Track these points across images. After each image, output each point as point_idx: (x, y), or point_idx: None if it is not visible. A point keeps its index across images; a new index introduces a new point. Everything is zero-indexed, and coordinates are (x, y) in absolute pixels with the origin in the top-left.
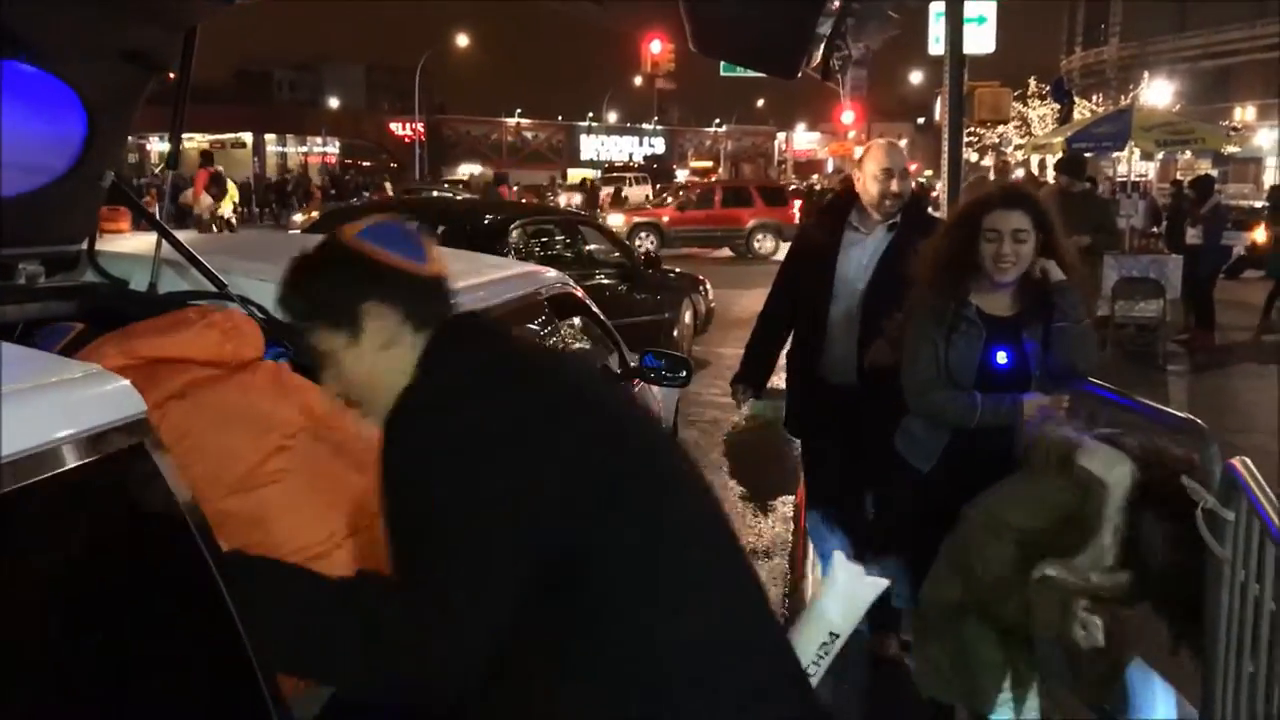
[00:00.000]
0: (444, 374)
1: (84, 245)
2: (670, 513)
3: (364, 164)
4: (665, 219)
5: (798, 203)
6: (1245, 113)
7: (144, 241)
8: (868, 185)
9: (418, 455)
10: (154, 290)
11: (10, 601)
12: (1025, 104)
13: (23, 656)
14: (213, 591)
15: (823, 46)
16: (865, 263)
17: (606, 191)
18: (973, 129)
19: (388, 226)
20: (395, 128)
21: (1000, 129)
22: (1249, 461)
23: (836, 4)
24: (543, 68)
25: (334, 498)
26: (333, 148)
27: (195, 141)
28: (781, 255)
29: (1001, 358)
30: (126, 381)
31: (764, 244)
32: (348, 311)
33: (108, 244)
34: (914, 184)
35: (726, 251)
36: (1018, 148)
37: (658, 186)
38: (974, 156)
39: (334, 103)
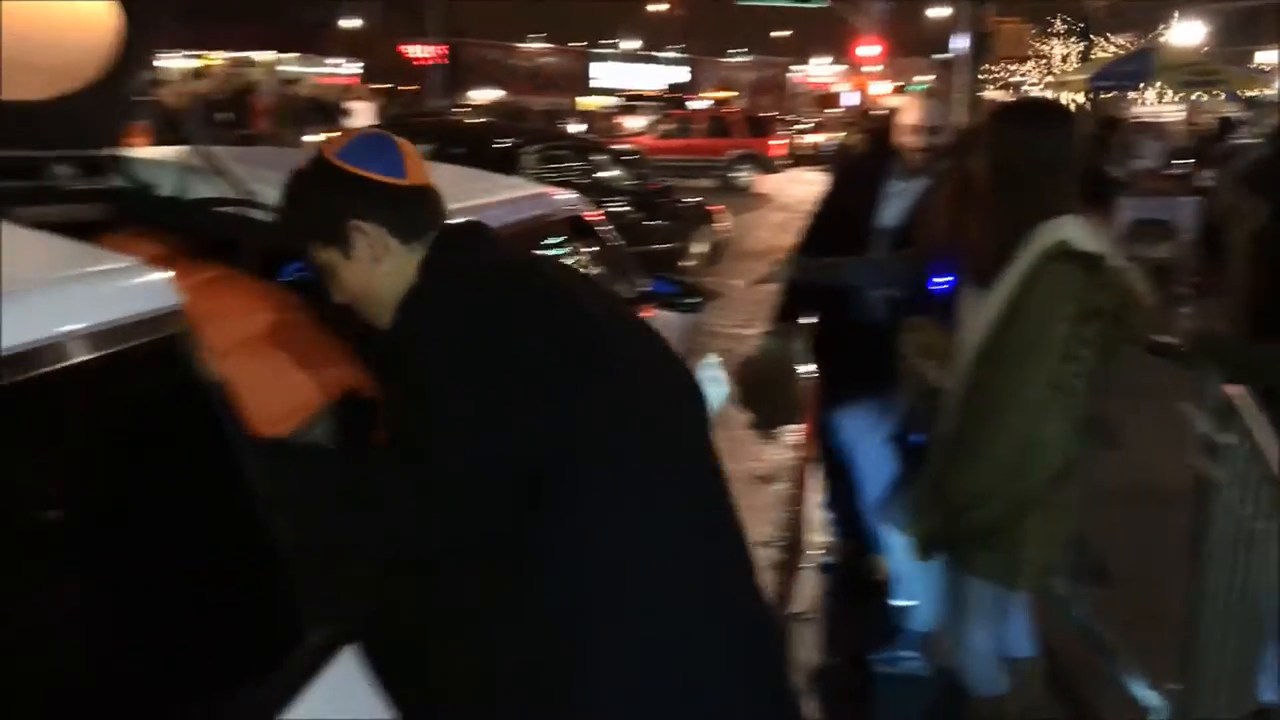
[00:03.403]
0: (445, 275)
1: (113, 150)
2: (647, 439)
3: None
4: (643, 148)
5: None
6: (1269, 56)
7: (172, 152)
8: (900, 138)
9: (422, 341)
10: (180, 197)
11: (36, 492)
12: (1047, 42)
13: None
14: (241, 488)
15: None
16: (904, 208)
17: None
18: (989, 66)
19: (366, 141)
20: (412, 51)
21: (1022, 66)
22: None
23: None
24: None
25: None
26: (347, 70)
27: (208, 60)
28: (763, 190)
29: None
30: (162, 274)
31: (743, 176)
32: (334, 229)
33: (136, 152)
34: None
35: (705, 182)
36: (1045, 85)
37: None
38: (996, 94)
39: (344, 24)
